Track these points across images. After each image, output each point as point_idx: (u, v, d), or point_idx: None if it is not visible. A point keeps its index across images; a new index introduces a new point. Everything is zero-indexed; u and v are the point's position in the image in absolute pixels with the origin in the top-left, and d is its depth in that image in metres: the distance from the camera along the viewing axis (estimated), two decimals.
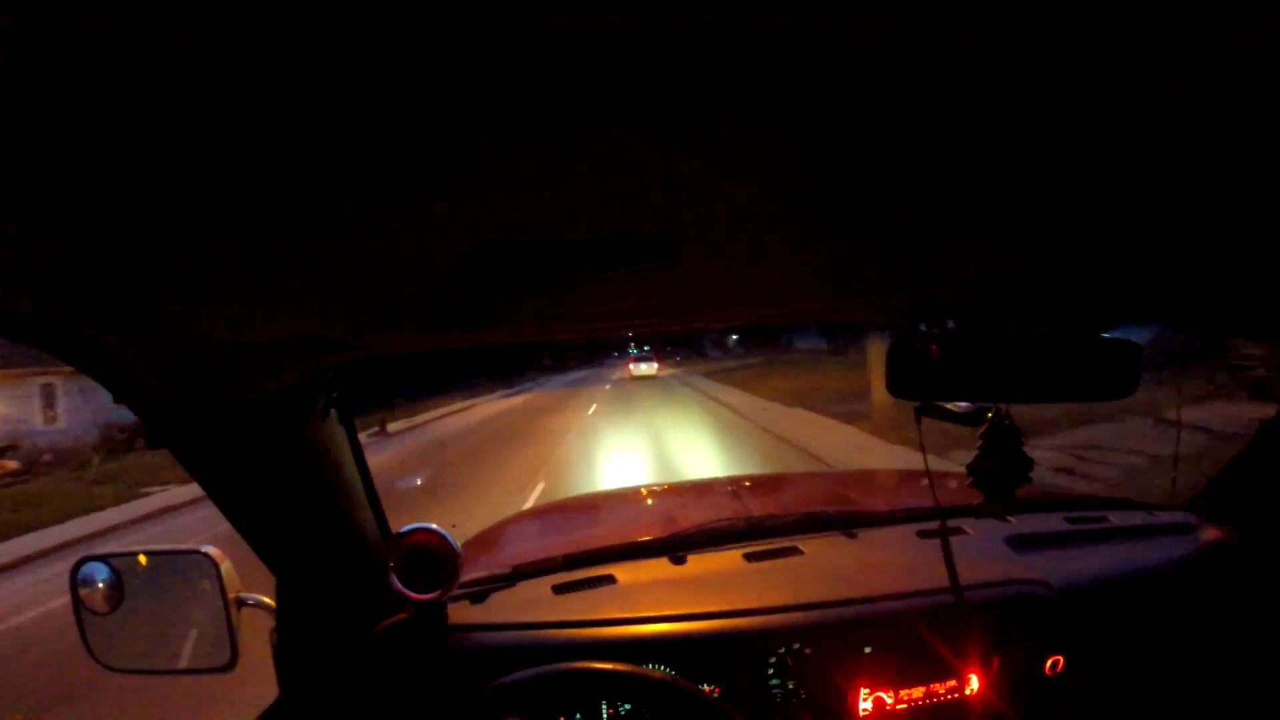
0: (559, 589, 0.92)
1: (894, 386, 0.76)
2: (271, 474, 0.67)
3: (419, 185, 0.35)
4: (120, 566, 0.83)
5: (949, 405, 0.85)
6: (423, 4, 0.22)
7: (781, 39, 0.25)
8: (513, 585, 0.94)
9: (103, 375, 0.56)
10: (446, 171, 0.34)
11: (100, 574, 0.83)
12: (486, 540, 1.38)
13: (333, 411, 0.70)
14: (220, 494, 0.67)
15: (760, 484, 1.83)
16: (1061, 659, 0.89)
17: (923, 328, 0.90)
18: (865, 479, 1.90)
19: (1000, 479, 0.83)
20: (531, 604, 0.89)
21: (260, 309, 0.53)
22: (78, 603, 0.82)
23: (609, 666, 0.69)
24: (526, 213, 0.40)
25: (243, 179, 0.33)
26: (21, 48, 0.22)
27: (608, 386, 23.05)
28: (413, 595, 0.74)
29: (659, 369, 31.05)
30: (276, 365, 0.62)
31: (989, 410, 0.85)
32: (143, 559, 0.85)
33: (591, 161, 0.34)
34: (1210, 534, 1.06)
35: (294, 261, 0.45)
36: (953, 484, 1.36)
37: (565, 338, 0.69)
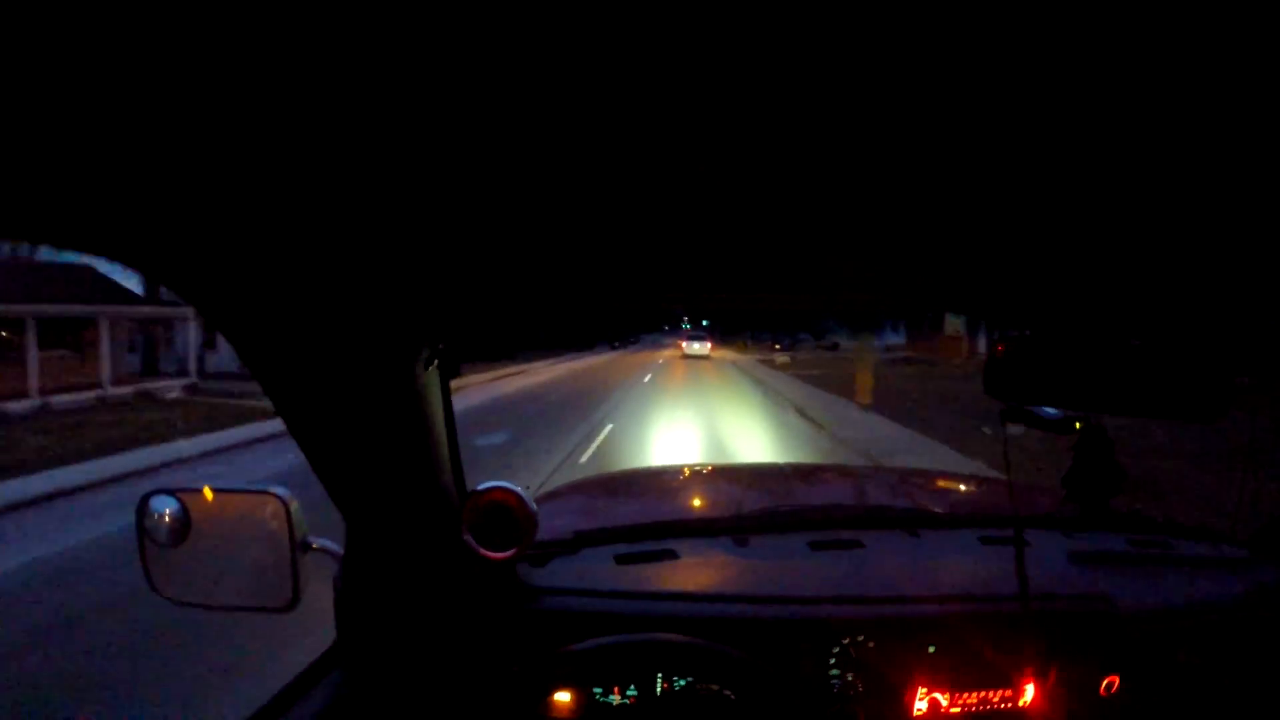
0: (621, 559, 0.91)
1: (991, 387, 0.74)
2: (362, 418, 0.66)
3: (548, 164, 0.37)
4: (188, 501, 0.83)
5: (1037, 410, 0.83)
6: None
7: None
8: (575, 552, 0.93)
9: (207, 307, 0.56)
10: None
11: (168, 507, 0.83)
12: (546, 505, 1.38)
13: (435, 363, 0.69)
14: (303, 432, 0.67)
15: (822, 474, 1.81)
16: (1117, 680, 0.86)
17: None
18: (926, 479, 1.86)
19: (1093, 490, 0.80)
20: (593, 572, 0.88)
21: (382, 258, 0.53)
22: (142, 534, 0.83)
23: (693, 641, 0.68)
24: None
25: (381, 136, 0.33)
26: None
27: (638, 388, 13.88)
28: (484, 553, 0.73)
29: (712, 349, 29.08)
30: (388, 311, 0.61)
31: (1076, 419, 0.82)
32: (210, 495, 0.85)
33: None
34: (1269, 574, 1.03)
35: (424, 223, 0.45)
36: (1017, 492, 1.33)
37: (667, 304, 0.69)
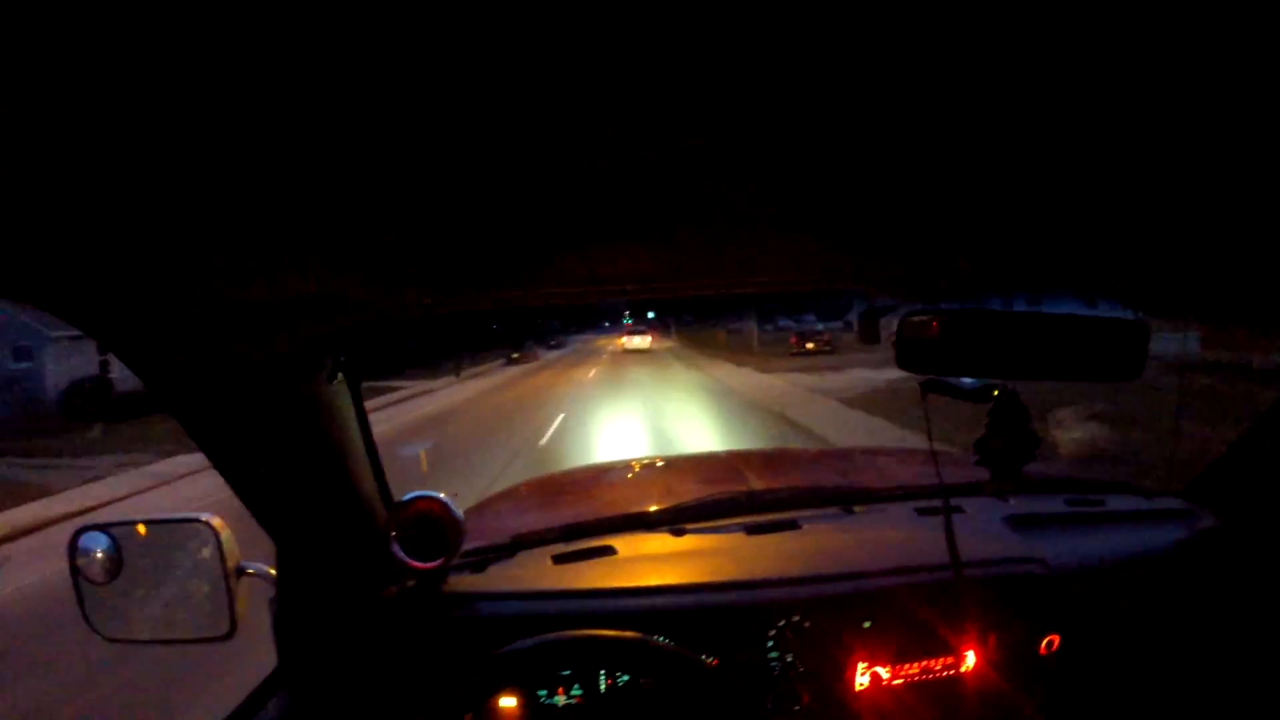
0: (559, 559, 0.92)
1: (903, 361, 0.76)
2: (274, 438, 0.66)
3: (439, 143, 0.34)
4: (119, 535, 0.82)
5: (955, 381, 0.85)
6: None
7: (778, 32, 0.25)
8: (512, 556, 0.94)
9: (103, 332, 0.55)
10: (468, 135, 0.33)
11: (99, 544, 0.82)
12: (485, 510, 1.38)
13: (340, 375, 0.69)
14: (221, 458, 0.67)
15: (759, 458, 1.84)
16: (1057, 639, 0.89)
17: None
18: (863, 456, 1.90)
19: (1006, 457, 0.82)
20: (531, 574, 0.89)
21: (270, 266, 0.52)
22: (76, 572, 0.82)
23: (615, 635, 0.68)
24: (544, 174, 0.39)
25: (259, 126, 0.31)
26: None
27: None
28: (414, 564, 0.73)
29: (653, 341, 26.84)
30: (284, 326, 0.61)
31: (995, 388, 0.85)
32: (142, 529, 0.84)
33: (604, 131, 0.33)
34: (1204, 521, 1.07)
35: (307, 218, 0.44)
36: (952, 463, 1.36)
37: (578, 301, 0.69)
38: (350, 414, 0.73)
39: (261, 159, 0.35)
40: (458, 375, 19.92)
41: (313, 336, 0.64)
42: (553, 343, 37.37)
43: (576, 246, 0.55)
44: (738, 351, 21.09)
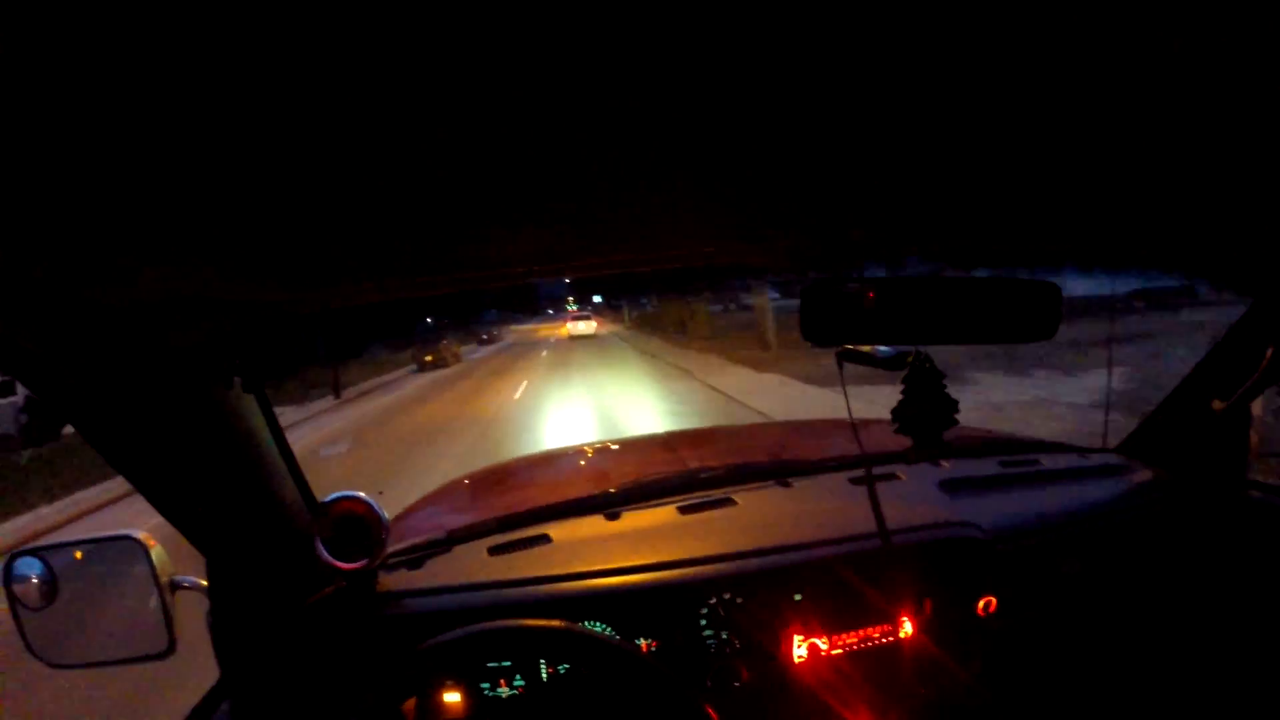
0: (494, 550, 0.93)
1: (808, 332, 0.76)
2: (182, 447, 0.66)
3: (322, 129, 0.33)
4: (53, 559, 0.82)
5: (869, 349, 0.86)
6: None
7: None
8: (449, 550, 0.95)
9: None
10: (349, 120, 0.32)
11: (33, 569, 0.82)
12: (422, 507, 1.38)
13: (237, 379, 0.69)
14: (133, 472, 0.66)
15: (694, 437, 1.86)
16: (994, 600, 0.90)
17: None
18: (801, 429, 1.92)
19: (924, 423, 0.84)
20: (467, 567, 0.90)
21: (156, 265, 0.51)
22: (13, 600, 0.82)
23: (537, 623, 0.69)
24: (434, 158, 0.37)
25: (132, 116, 0.30)
26: None
27: None
28: (341, 565, 0.74)
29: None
30: (174, 328, 0.61)
31: (909, 354, 0.86)
32: (78, 555, 0.84)
33: (498, 99, 0.31)
34: (1138, 475, 1.09)
35: (194, 214, 0.42)
36: (887, 431, 1.38)
37: (488, 286, 0.68)
38: (259, 418, 0.73)
39: (133, 150, 0.33)
40: (337, 396, 13.38)
41: (205, 339, 0.64)
42: (484, 336, 30.35)
43: (480, 227, 0.53)
44: (730, 342, 15.00)
